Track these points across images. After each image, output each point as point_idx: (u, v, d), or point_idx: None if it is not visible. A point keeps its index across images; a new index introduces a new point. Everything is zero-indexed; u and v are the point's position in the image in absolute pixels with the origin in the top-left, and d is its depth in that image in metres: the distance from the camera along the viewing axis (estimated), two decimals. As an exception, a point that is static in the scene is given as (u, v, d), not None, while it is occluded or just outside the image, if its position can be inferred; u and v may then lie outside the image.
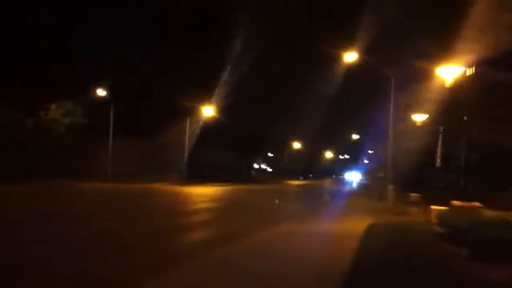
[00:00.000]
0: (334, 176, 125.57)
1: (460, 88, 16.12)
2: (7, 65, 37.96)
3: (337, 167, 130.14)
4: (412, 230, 13.09)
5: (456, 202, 12.85)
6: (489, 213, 12.32)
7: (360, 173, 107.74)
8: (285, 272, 8.14)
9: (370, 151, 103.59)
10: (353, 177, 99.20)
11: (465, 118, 13.93)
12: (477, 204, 12.24)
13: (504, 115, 13.73)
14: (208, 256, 9.29)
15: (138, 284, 6.97)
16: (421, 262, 8.29)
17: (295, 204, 28.25)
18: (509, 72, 13.12)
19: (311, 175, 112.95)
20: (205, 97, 48.73)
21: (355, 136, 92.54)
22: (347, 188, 60.70)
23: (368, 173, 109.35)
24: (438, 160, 17.64)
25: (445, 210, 14.92)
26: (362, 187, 64.67)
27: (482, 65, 14.33)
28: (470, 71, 14.07)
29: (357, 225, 15.58)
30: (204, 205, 23.66)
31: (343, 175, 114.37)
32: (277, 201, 25.47)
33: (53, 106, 41.65)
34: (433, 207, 16.49)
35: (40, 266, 7.88)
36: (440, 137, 17.87)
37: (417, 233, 12.44)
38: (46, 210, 16.97)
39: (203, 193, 34.33)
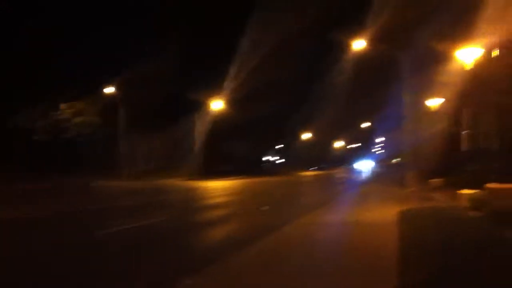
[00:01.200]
0: (345, 165, 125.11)
1: (485, 69, 15.76)
2: (17, 67, 38.22)
3: (349, 156, 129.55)
4: (447, 215, 12.80)
5: (492, 185, 12.53)
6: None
7: (372, 161, 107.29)
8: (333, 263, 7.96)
9: (382, 139, 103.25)
10: (365, 166, 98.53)
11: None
12: (515, 185, 11.92)
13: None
14: (251, 248, 9.17)
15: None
16: (477, 247, 8.03)
17: (313, 194, 28.00)
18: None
19: (322, 165, 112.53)
20: (216, 90, 48.49)
21: (366, 124, 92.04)
22: (362, 177, 60.22)
23: (381, 160, 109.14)
24: (465, 144, 17.27)
25: (477, 193, 14.66)
26: (377, 174, 64.25)
27: (506, 46, 13.99)
28: (495, 52, 13.70)
29: (385, 213, 15.28)
30: (225, 199, 23.59)
31: (354, 164, 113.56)
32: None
33: (64, 106, 41.73)
34: (462, 191, 16.22)
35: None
36: (466, 121, 17.47)
37: (454, 218, 12.15)
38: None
39: (221, 187, 34.24)
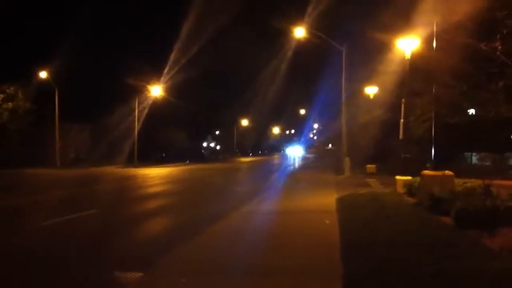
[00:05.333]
0: (282, 151, 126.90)
1: (423, 60, 16.28)
2: None
3: (285, 143, 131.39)
4: (384, 201, 13.10)
5: (427, 172, 12.96)
6: (462, 181, 12.56)
7: (304, 147, 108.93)
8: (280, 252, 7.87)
9: (317, 125, 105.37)
10: (297, 152, 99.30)
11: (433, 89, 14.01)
12: (448, 172, 12.37)
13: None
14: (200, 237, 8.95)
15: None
16: (414, 233, 8.20)
17: (254, 181, 28.04)
18: (473, 40, 13.34)
19: (260, 152, 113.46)
20: (154, 76, 47.29)
21: (302, 111, 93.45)
22: (298, 163, 61.15)
23: (315, 146, 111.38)
24: (401, 132, 17.82)
25: (412, 180, 15.17)
26: (313, 160, 65.55)
27: (443, 36, 14.49)
28: (434, 42, 14.13)
29: (324, 199, 15.51)
30: (163, 188, 23.04)
31: (288, 150, 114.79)
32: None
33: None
34: (398, 177, 16.74)
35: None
36: (402, 109, 18.00)
37: (391, 204, 12.45)
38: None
39: (158, 175, 33.51)
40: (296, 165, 55.09)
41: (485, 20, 12.39)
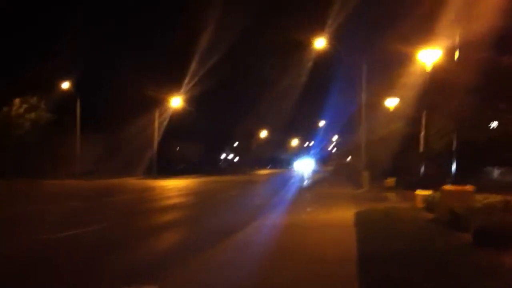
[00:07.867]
0: (299, 163, 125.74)
1: (443, 72, 16.06)
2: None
3: (302, 155, 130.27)
4: (403, 216, 12.89)
5: (447, 186, 12.72)
6: (483, 197, 12.28)
7: (316, 160, 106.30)
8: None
9: (336, 137, 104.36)
10: (306, 166, 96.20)
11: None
12: (469, 187, 12.12)
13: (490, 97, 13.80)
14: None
15: None
16: (430, 250, 8.03)
17: (270, 195, 27.88)
18: (494, 54, 13.12)
19: (278, 164, 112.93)
20: (173, 89, 47.73)
21: (321, 123, 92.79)
22: (315, 177, 60.65)
23: (334, 159, 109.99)
24: (421, 145, 17.57)
25: (432, 194, 14.89)
26: (330, 174, 65.02)
27: (465, 48, 14.29)
28: (456, 55, 13.95)
29: (342, 214, 15.31)
30: (180, 200, 23.20)
31: (304, 163, 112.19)
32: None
33: (16, 101, 39.85)
34: (418, 192, 16.46)
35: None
36: (423, 122, 17.78)
37: (409, 219, 12.24)
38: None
39: (176, 186, 33.66)
40: (314, 178, 54.67)
41: (506, 34, 12.19)
